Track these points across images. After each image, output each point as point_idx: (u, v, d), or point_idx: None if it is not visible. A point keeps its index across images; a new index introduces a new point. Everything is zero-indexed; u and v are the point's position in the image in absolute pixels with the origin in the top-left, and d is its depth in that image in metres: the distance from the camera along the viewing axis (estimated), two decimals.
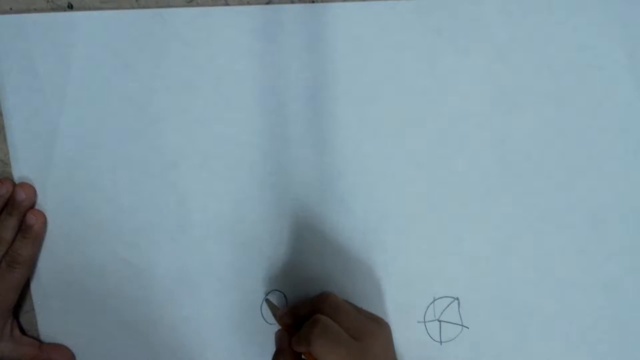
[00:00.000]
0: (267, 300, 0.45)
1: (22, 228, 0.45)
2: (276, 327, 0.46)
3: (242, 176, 0.45)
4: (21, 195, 0.45)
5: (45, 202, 0.46)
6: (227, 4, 0.42)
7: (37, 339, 0.48)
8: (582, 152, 0.43)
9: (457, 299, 0.45)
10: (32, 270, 0.47)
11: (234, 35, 0.43)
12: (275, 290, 0.46)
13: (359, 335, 0.37)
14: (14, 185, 0.45)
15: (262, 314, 0.46)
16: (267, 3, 0.42)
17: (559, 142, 0.43)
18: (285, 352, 0.40)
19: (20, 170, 0.46)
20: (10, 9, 0.44)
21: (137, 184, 0.45)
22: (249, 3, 0.42)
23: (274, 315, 0.43)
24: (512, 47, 0.42)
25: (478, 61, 0.42)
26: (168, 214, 0.46)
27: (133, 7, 0.43)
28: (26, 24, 0.43)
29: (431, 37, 0.42)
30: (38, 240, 0.46)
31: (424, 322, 0.45)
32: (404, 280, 0.45)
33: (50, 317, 0.48)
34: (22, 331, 0.48)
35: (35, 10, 0.44)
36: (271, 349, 0.46)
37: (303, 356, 0.39)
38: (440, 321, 0.45)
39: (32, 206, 0.46)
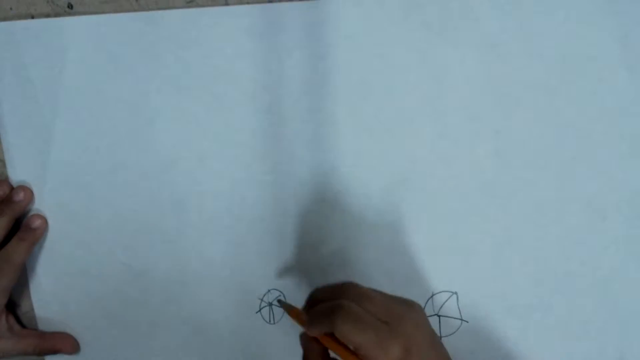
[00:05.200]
0: (280, 301, 0.44)
1: (22, 230, 0.45)
2: (276, 327, 0.46)
3: (238, 176, 0.45)
4: (19, 195, 0.44)
5: (42, 206, 0.46)
6: (227, 4, 0.43)
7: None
8: (577, 143, 0.43)
9: (456, 293, 0.45)
10: (31, 275, 0.47)
11: (226, 35, 0.43)
12: (274, 289, 0.46)
13: (387, 318, 0.35)
14: (11, 187, 0.45)
15: (261, 314, 0.46)
16: (269, 1, 0.43)
17: (554, 133, 0.43)
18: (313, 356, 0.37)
19: (17, 175, 0.46)
20: (11, 8, 0.44)
21: (134, 186, 0.46)
22: (248, 2, 0.43)
23: (290, 313, 0.40)
24: (502, 39, 0.42)
25: (469, 54, 0.42)
26: (165, 216, 0.46)
27: (133, 7, 0.43)
28: (18, 30, 0.44)
29: (421, 32, 0.42)
30: (34, 245, 0.46)
31: None
32: (401, 275, 0.45)
33: (50, 321, 0.48)
34: (22, 325, 0.47)
35: (35, 10, 0.44)
36: (271, 348, 0.46)
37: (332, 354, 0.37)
38: (439, 316, 0.45)
39: (26, 209, 0.46)
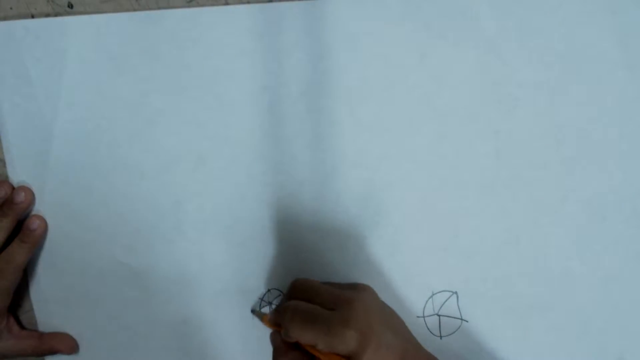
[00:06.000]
0: (254, 311, 0.46)
1: (22, 232, 0.45)
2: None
3: (238, 176, 0.45)
4: (20, 196, 0.44)
5: (42, 206, 0.46)
6: (227, 4, 0.43)
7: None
8: (576, 142, 0.43)
9: (456, 292, 0.45)
10: (31, 275, 0.47)
11: (226, 35, 0.43)
12: (274, 289, 0.46)
13: (336, 306, 0.36)
14: (13, 187, 0.45)
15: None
16: (269, 1, 0.43)
17: (553, 132, 0.43)
18: (280, 349, 0.39)
19: (17, 175, 0.46)
20: (11, 8, 0.44)
21: (133, 187, 0.46)
22: (248, 2, 0.43)
23: (262, 321, 0.43)
24: (501, 39, 0.42)
25: (468, 54, 0.42)
26: (165, 216, 0.46)
27: (133, 7, 0.43)
28: (18, 29, 0.44)
29: (421, 32, 0.42)
30: (35, 247, 0.45)
31: (423, 317, 0.45)
32: (402, 275, 0.45)
33: (49, 321, 0.48)
34: (21, 326, 0.47)
35: (36, 10, 0.44)
36: (270, 348, 0.46)
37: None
38: (439, 315, 0.45)
39: (27, 210, 0.46)
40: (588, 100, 0.42)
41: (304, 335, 0.35)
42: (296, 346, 0.38)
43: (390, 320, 0.38)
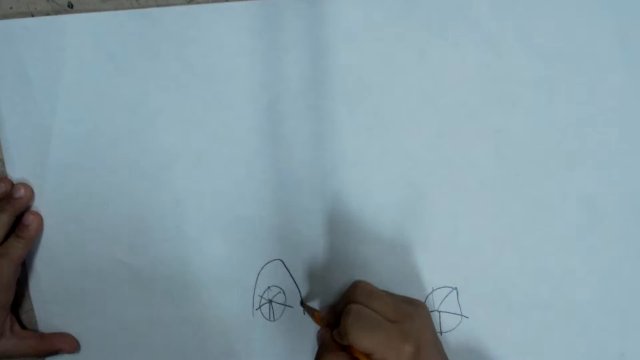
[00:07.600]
0: (303, 304, 0.45)
1: (18, 227, 0.45)
2: (276, 324, 0.46)
3: (237, 174, 0.45)
4: (20, 192, 0.44)
5: (42, 205, 0.46)
6: (226, 1, 0.43)
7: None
8: (576, 140, 0.43)
9: (456, 288, 0.45)
10: (31, 274, 0.47)
11: (226, 33, 0.43)
12: (274, 286, 0.46)
13: (396, 318, 0.37)
14: (12, 183, 0.45)
15: (261, 311, 0.46)
16: None
17: (553, 130, 0.43)
18: (328, 347, 0.39)
19: (16, 174, 0.46)
20: (11, 8, 0.44)
21: (133, 186, 0.45)
22: None
23: (313, 316, 0.43)
24: (501, 37, 0.42)
25: (468, 52, 0.42)
26: (164, 215, 0.46)
27: (132, 6, 0.43)
28: (17, 28, 0.43)
29: (421, 31, 0.42)
30: (31, 242, 0.45)
31: None
32: (401, 271, 0.45)
33: (49, 321, 0.48)
34: (23, 326, 0.47)
35: (35, 9, 0.44)
36: (271, 345, 0.46)
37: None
38: (439, 311, 0.45)
39: (27, 207, 0.45)
40: (588, 99, 0.42)
41: (363, 342, 0.35)
42: (343, 347, 0.38)
43: (438, 340, 0.40)
